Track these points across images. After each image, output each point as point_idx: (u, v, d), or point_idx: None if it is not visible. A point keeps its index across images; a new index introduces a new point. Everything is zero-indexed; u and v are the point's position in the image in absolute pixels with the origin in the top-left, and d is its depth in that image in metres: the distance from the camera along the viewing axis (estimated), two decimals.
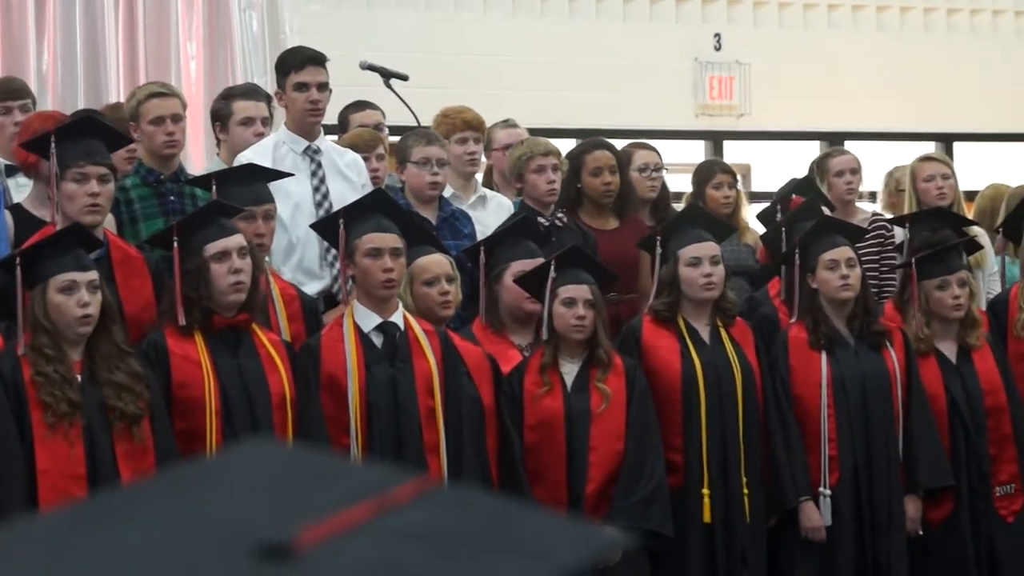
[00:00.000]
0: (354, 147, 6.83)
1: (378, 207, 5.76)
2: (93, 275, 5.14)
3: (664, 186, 7.68)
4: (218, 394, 5.31)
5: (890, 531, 6.28)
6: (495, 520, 1.36)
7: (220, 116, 6.81)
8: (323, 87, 6.59)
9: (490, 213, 7.00)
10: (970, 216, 7.99)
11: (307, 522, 1.28)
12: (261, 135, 6.68)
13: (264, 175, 5.99)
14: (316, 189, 6.50)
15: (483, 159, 7.69)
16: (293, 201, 6.39)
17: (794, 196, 7.38)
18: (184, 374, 5.32)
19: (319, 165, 6.54)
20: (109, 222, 5.86)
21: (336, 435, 5.46)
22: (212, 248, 5.39)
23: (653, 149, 7.75)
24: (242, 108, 6.75)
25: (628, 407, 5.94)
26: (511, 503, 1.38)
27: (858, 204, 8.13)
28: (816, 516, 6.24)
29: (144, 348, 5.33)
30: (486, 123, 7.49)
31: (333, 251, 6.11)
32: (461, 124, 7.33)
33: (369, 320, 5.62)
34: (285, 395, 5.38)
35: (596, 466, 5.89)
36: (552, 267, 5.94)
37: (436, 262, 5.97)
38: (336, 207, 6.24)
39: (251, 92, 6.98)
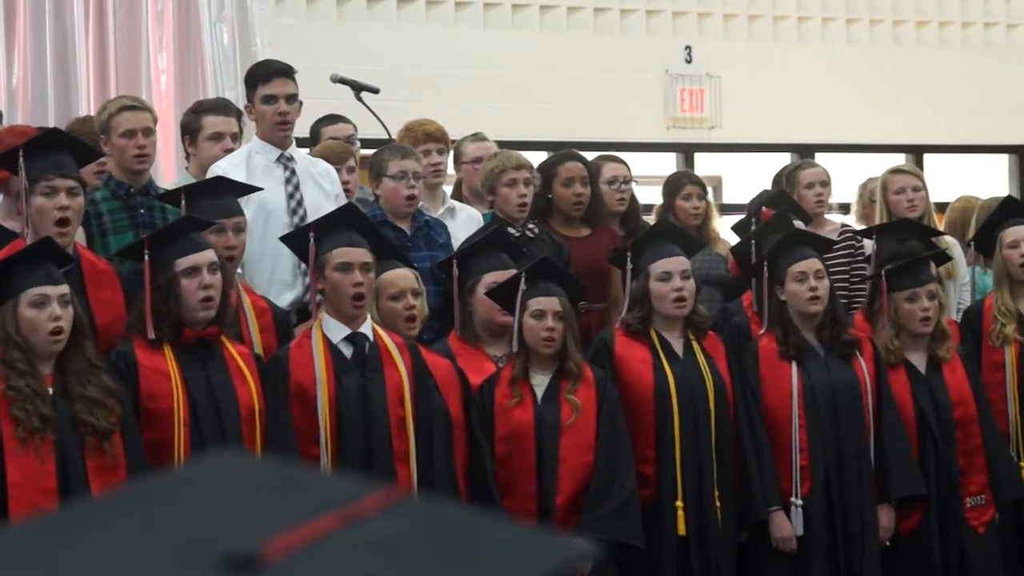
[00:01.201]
0: (325, 159, 6.84)
1: (348, 221, 5.77)
2: (64, 289, 5.14)
3: (633, 198, 7.70)
4: (186, 406, 5.31)
5: (863, 540, 6.30)
6: (462, 531, 1.36)
7: (190, 130, 6.80)
8: (291, 99, 6.59)
9: (459, 225, 7.01)
10: (941, 228, 8.03)
11: (273, 533, 1.28)
12: (230, 151, 6.66)
13: (234, 188, 5.99)
14: (290, 196, 6.50)
15: (452, 172, 7.72)
16: (267, 209, 6.39)
17: (764, 208, 7.41)
18: (153, 385, 5.32)
19: (293, 172, 6.54)
20: (79, 235, 5.85)
21: (306, 446, 5.46)
22: (183, 263, 5.38)
23: (622, 162, 7.76)
24: (212, 123, 6.74)
25: (598, 419, 5.95)
26: (478, 514, 1.39)
27: (827, 216, 8.15)
28: (787, 526, 6.25)
29: (113, 359, 5.32)
30: (450, 134, 7.51)
31: None
32: (423, 136, 7.35)
33: (338, 331, 5.62)
34: (254, 407, 5.38)
35: (566, 478, 5.90)
36: (522, 279, 5.95)
37: (402, 276, 5.98)
38: (311, 214, 6.24)
39: (221, 107, 6.96)
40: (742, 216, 7.75)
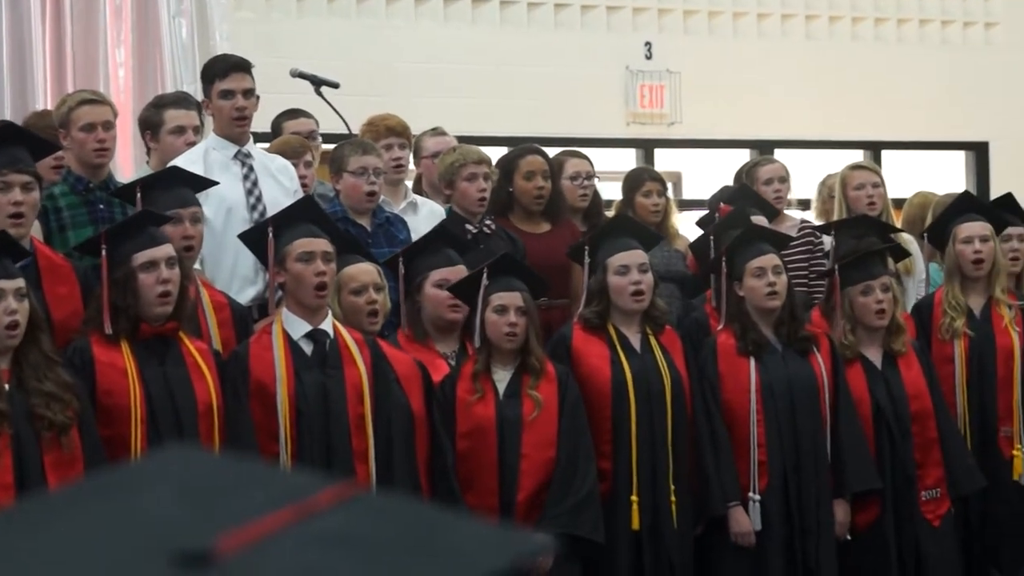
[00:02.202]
0: (282, 154, 6.82)
1: (307, 215, 5.76)
2: (20, 283, 5.11)
3: (596, 194, 7.71)
4: (144, 402, 5.28)
5: (819, 535, 6.32)
6: (417, 525, 1.36)
7: (150, 125, 6.77)
8: (249, 94, 6.56)
9: (421, 219, 7.00)
10: (898, 224, 8.06)
11: (227, 528, 1.28)
12: (192, 144, 6.64)
13: (188, 178, 5.96)
14: (249, 192, 6.48)
15: (412, 167, 7.71)
16: (226, 206, 6.36)
17: (722, 204, 7.43)
18: (109, 381, 5.29)
19: (251, 169, 6.52)
20: (36, 230, 5.82)
21: (265, 442, 5.44)
22: (140, 257, 5.36)
23: (585, 157, 7.77)
24: (173, 117, 6.71)
25: (560, 414, 5.96)
26: (434, 509, 1.39)
27: (787, 212, 8.18)
28: (745, 521, 6.27)
29: (69, 354, 5.30)
30: (412, 129, 7.50)
31: None
32: (384, 131, 7.34)
33: (298, 327, 5.60)
34: (212, 403, 5.36)
35: (527, 473, 5.91)
36: (484, 274, 5.95)
37: (364, 271, 5.97)
38: (270, 210, 6.23)
39: (182, 100, 6.93)
40: (703, 212, 7.77)
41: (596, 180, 7.71)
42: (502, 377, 5.98)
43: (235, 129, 6.53)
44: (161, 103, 6.88)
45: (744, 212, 7.08)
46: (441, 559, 1.32)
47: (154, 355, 5.37)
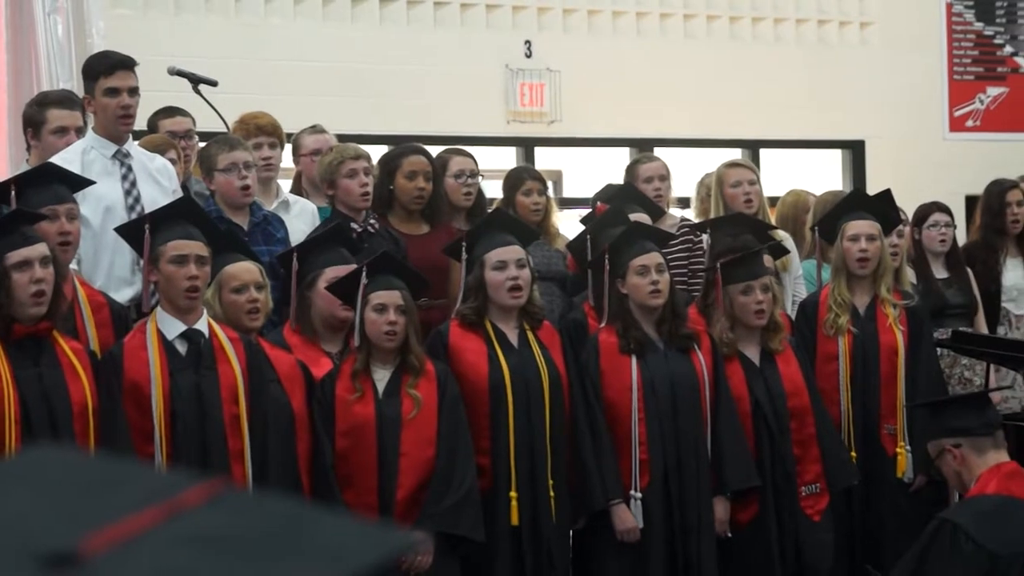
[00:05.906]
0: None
1: (184, 214, 5.72)
2: None
3: (480, 193, 7.71)
4: (17, 403, 5.22)
5: (700, 532, 6.37)
6: (287, 523, 1.36)
7: (33, 123, 6.68)
8: (134, 92, 6.51)
9: (294, 217, 6.99)
10: (772, 221, 8.14)
11: (93, 528, 1.27)
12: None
13: (64, 176, 5.89)
14: (127, 192, 6.42)
15: (291, 164, 7.68)
16: (104, 205, 6.31)
17: (599, 203, 7.46)
18: None
19: (129, 168, 6.47)
20: None
21: (141, 443, 5.40)
22: (13, 257, 5.29)
23: (469, 156, 7.77)
24: (56, 116, 6.63)
25: (439, 413, 5.96)
26: (303, 506, 1.39)
27: (669, 210, 8.24)
28: (629, 518, 6.31)
29: None
30: (289, 128, 7.47)
31: None
32: (255, 129, 7.31)
33: (173, 327, 5.56)
34: (87, 404, 5.31)
35: (406, 472, 5.91)
36: (364, 273, 5.95)
37: (245, 270, 5.94)
38: (148, 210, 6.18)
39: (66, 100, 6.85)
40: (584, 211, 7.80)
41: (480, 178, 7.72)
42: (382, 376, 5.97)
43: (120, 127, 6.47)
44: (45, 101, 6.80)
45: (620, 210, 7.11)
46: (309, 556, 1.32)
47: (27, 356, 5.30)
